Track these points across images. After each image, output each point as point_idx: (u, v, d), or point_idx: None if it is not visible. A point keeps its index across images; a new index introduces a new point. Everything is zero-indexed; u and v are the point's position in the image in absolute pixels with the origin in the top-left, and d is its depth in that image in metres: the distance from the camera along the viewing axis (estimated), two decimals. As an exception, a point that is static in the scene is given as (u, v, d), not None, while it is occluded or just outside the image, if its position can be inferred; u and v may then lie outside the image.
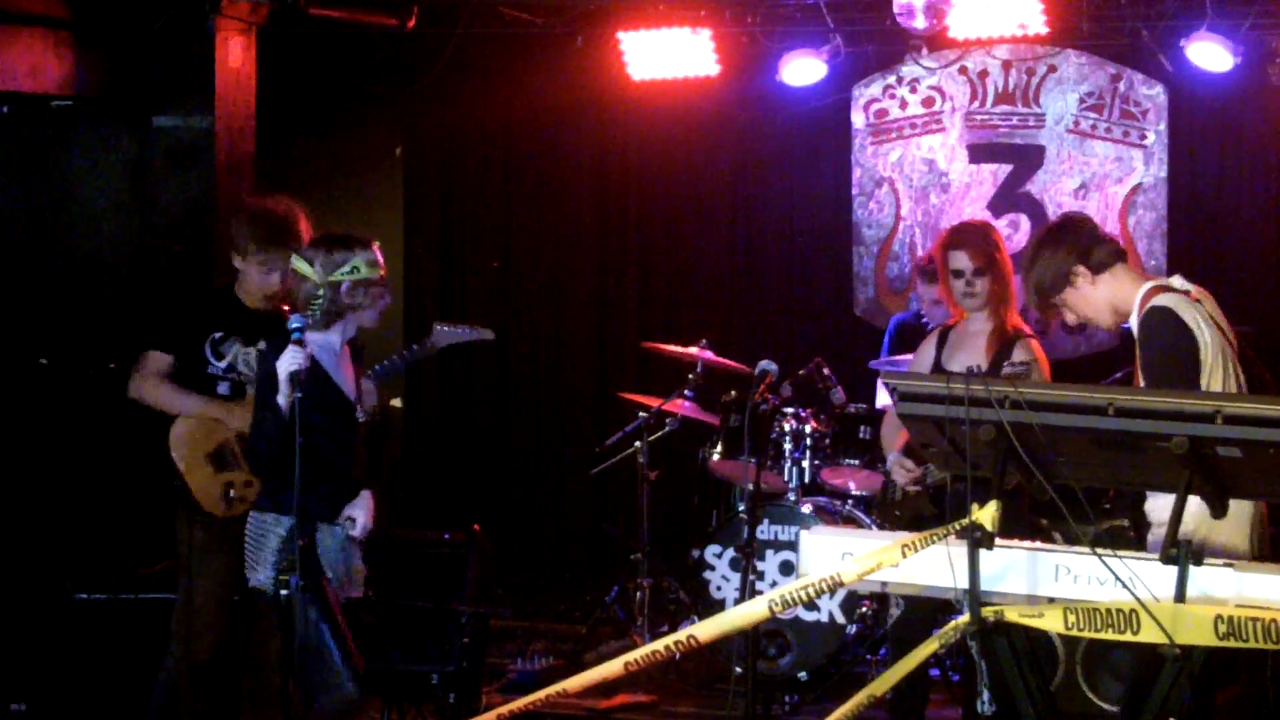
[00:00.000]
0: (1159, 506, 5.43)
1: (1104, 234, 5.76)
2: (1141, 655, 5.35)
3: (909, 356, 8.78)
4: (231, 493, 6.61)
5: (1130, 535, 6.74)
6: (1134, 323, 5.60)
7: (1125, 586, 4.60)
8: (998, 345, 6.66)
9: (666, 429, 9.44)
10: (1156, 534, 5.45)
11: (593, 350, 11.49)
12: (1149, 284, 5.59)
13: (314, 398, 5.84)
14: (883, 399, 9.27)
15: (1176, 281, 5.59)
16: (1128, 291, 5.63)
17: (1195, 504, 4.87)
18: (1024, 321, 6.96)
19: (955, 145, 10.78)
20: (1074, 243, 5.66)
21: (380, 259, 6.17)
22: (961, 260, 6.78)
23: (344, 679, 5.99)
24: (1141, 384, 5.47)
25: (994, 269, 6.75)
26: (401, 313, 11.24)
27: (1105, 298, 5.66)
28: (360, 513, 6.15)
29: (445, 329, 7.81)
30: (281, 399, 5.79)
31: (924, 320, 9.29)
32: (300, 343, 5.80)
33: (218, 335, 6.76)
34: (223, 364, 6.76)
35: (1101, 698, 7.55)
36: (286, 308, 6.78)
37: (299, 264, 6.08)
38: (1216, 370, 5.37)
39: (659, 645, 5.21)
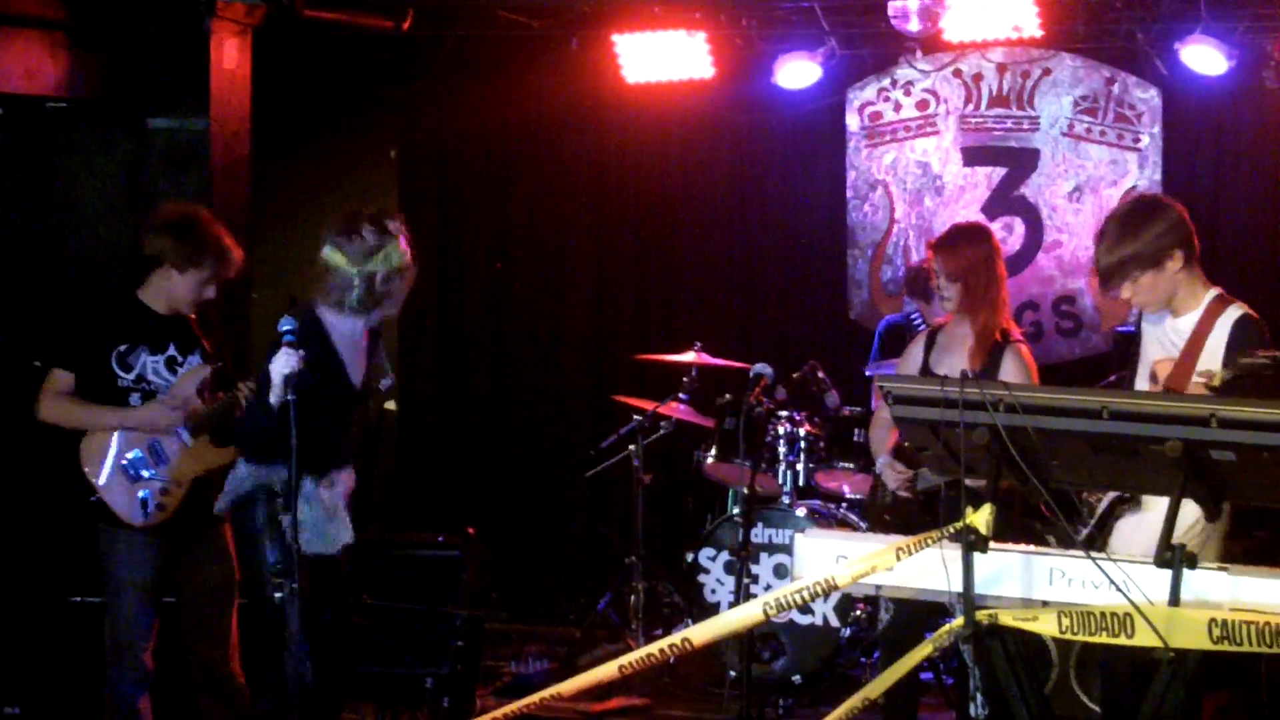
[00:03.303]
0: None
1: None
2: (1114, 658, 5.37)
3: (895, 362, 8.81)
4: (150, 504, 6.61)
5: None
6: (1191, 323, 5.59)
7: (1119, 590, 4.60)
8: (986, 349, 6.65)
9: (661, 432, 9.45)
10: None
11: (588, 353, 11.48)
12: (1215, 291, 5.63)
13: (322, 384, 5.86)
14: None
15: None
16: (1196, 290, 5.64)
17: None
18: (1015, 325, 6.95)
19: (950, 148, 10.78)
20: (1179, 223, 5.62)
21: (407, 246, 6.19)
22: (937, 264, 6.79)
23: (305, 670, 6.00)
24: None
25: (969, 275, 6.71)
26: (397, 316, 11.21)
27: (1174, 287, 5.62)
28: (340, 481, 6.15)
29: None
30: (274, 399, 5.79)
31: (915, 320, 9.31)
32: (293, 345, 5.79)
33: (123, 348, 6.67)
34: (131, 375, 6.67)
35: (1095, 701, 7.56)
36: (193, 314, 6.80)
37: (331, 254, 6.04)
38: None
39: (653, 649, 5.21)
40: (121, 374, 6.67)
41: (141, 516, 6.60)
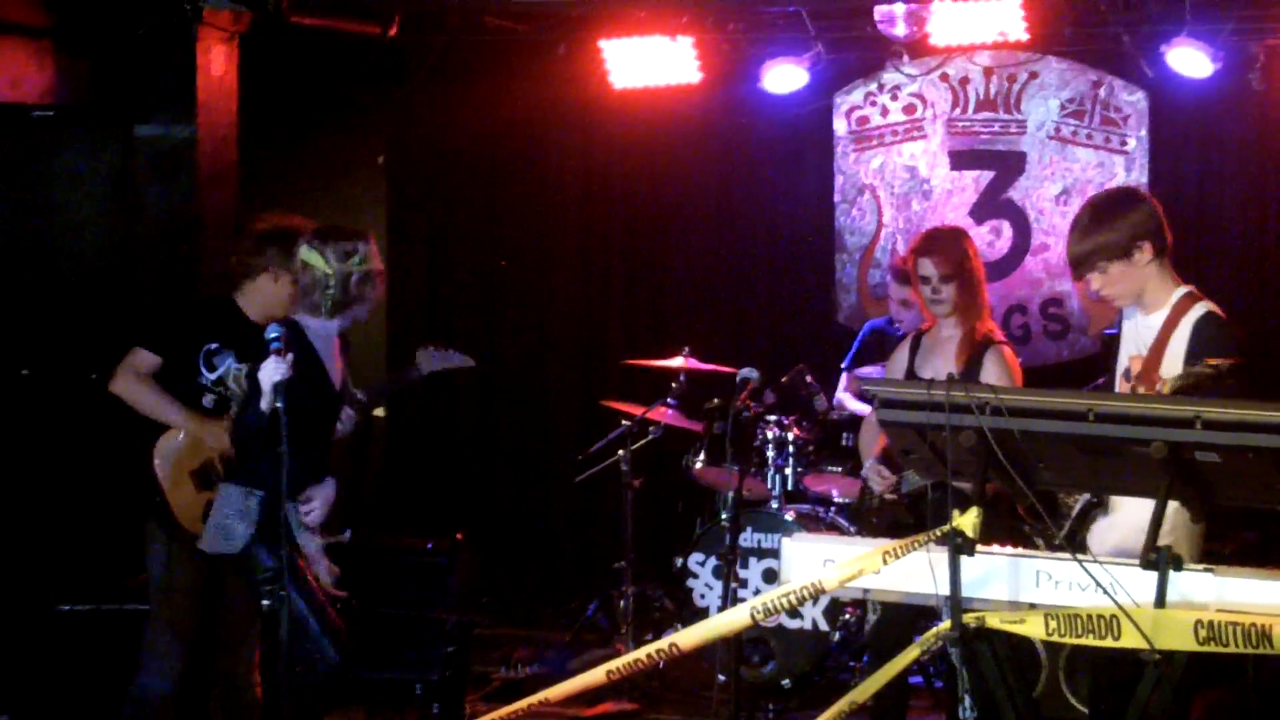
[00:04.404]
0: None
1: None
2: (1102, 660, 5.37)
3: (871, 370, 8.85)
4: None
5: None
6: (1160, 320, 5.57)
7: (1106, 592, 4.61)
8: (969, 352, 6.67)
9: (650, 437, 9.44)
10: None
11: (577, 357, 11.49)
12: (1184, 289, 5.60)
13: (302, 378, 5.90)
14: (851, 404, 9.33)
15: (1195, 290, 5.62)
16: (1166, 286, 5.62)
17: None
18: (998, 328, 6.97)
19: (937, 152, 10.80)
20: (1151, 216, 5.61)
21: (377, 252, 6.32)
22: (928, 267, 6.78)
23: (324, 647, 6.04)
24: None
25: (961, 276, 6.74)
26: (385, 321, 11.23)
27: (1144, 281, 5.60)
28: (319, 496, 6.19)
29: (431, 354, 7.81)
30: (264, 404, 5.84)
31: (895, 326, 9.32)
32: (280, 352, 5.84)
33: (213, 346, 6.69)
34: (213, 376, 6.68)
35: (1084, 703, 7.57)
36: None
37: (309, 255, 6.20)
38: None
39: (641, 654, 5.22)
40: (205, 372, 6.67)
41: (204, 524, 6.59)
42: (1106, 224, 5.60)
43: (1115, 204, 5.72)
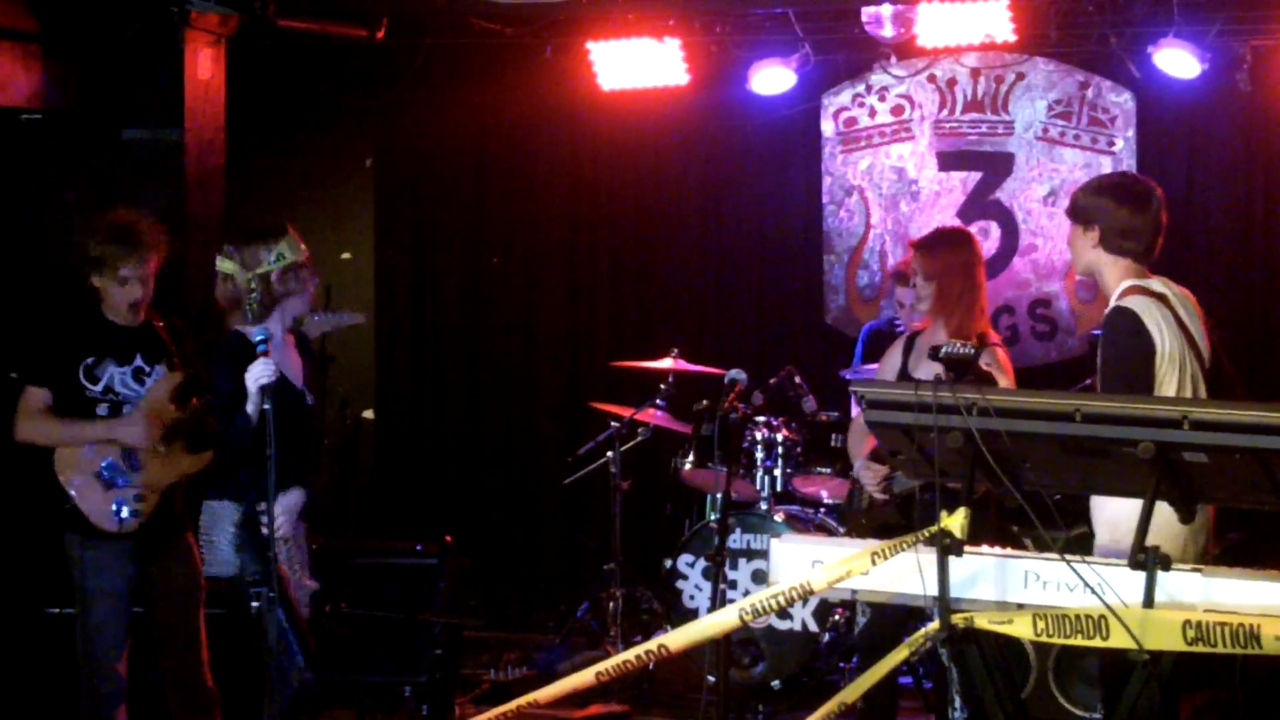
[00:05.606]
0: (1107, 514, 5.44)
1: (1145, 229, 5.63)
2: (1108, 660, 5.38)
3: (874, 366, 8.81)
4: (125, 511, 6.58)
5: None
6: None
7: (1094, 592, 4.61)
8: (961, 353, 6.66)
9: (639, 438, 9.44)
10: (1101, 538, 5.45)
11: (565, 360, 11.49)
12: (1128, 282, 5.57)
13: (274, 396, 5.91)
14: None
15: (1155, 284, 5.57)
16: (1111, 281, 5.62)
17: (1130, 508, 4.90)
18: (993, 330, 6.96)
19: (925, 153, 10.80)
20: (1117, 213, 5.60)
21: (300, 242, 6.28)
22: (916, 263, 6.83)
23: (297, 665, 6.03)
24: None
25: (944, 277, 6.73)
26: (373, 324, 11.22)
27: (1093, 262, 5.65)
28: (281, 504, 6.11)
29: (316, 318, 7.79)
30: (251, 408, 5.86)
31: (897, 326, 9.31)
32: (266, 354, 5.86)
33: (90, 360, 6.62)
34: (99, 387, 6.61)
35: (1074, 703, 7.58)
36: (160, 323, 6.79)
37: (222, 264, 6.20)
38: (1170, 379, 5.36)
39: (629, 655, 5.23)
40: (89, 386, 6.62)
41: (117, 524, 6.56)
42: (1085, 189, 5.74)
43: (1109, 184, 5.81)
